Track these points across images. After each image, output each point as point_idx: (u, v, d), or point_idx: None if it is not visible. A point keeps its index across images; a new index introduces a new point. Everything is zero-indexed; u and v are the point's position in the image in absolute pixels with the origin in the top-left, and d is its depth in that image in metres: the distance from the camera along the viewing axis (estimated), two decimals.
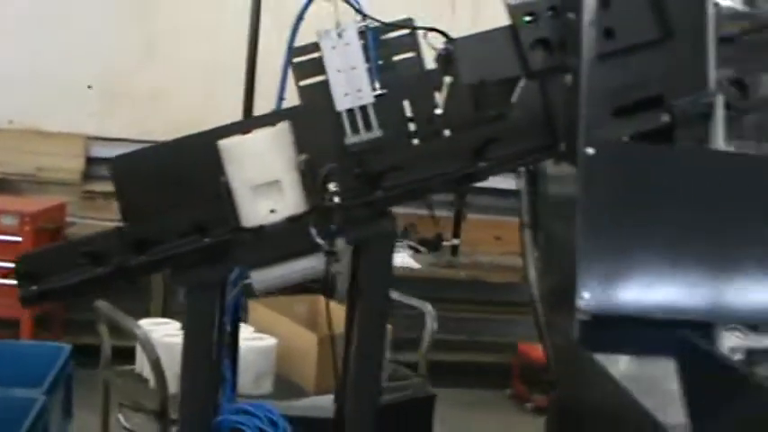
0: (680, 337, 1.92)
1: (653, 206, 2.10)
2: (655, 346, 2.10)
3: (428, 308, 3.46)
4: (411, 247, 5.65)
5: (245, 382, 3.09)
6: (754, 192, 2.14)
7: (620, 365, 2.15)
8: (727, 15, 2.35)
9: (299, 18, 2.25)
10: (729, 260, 2.11)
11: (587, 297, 2.02)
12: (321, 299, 3.76)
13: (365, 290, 2.14)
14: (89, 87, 5.65)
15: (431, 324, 3.42)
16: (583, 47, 2.12)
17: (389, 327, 3.61)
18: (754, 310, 2.11)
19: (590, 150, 2.06)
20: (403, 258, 5.38)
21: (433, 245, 5.71)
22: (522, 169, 2.54)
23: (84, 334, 4.48)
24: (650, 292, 2.08)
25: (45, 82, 5.54)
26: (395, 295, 4.04)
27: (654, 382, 2.15)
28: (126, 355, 3.51)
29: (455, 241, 5.58)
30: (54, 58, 5.53)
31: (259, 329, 3.52)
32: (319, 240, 2.06)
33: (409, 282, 5.04)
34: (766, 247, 2.12)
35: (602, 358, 2.12)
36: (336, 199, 2.04)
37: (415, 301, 3.57)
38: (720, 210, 2.12)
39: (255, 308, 3.71)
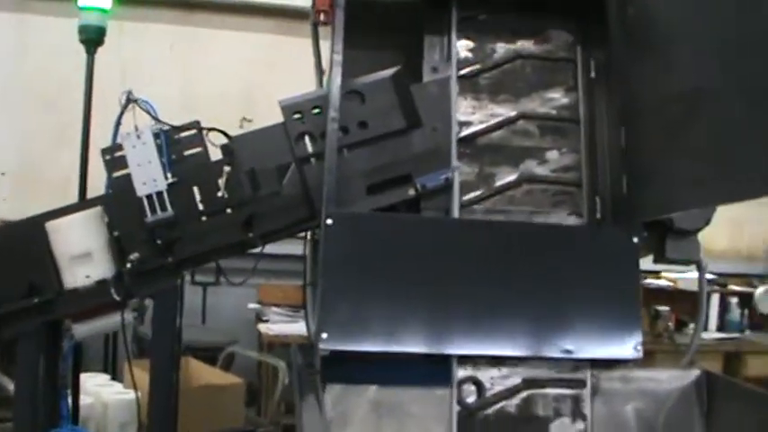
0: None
1: (379, 263, 2.85)
2: (384, 377, 2.87)
3: (281, 364, 4.23)
4: None
5: (112, 429, 3.87)
6: (462, 249, 2.90)
7: (369, 393, 2.92)
8: (465, 60, 3.14)
9: (117, 123, 3.08)
10: (442, 307, 2.84)
11: (325, 337, 2.77)
12: (190, 359, 4.56)
13: (155, 336, 2.94)
14: (2, 174, 6.52)
15: (282, 377, 4.19)
16: (328, 138, 2.89)
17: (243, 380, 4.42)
18: (462, 345, 2.85)
19: (329, 221, 2.83)
20: None
21: None
22: (309, 237, 3.33)
23: None
24: (377, 332, 2.80)
25: None
26: (255, 354, 4.86)
27: (398, 405, 2.92)
28: None
29: None
30: None
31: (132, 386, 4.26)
32: (116, 297, 2.86)
33: None
34: (473, 296, 2.87)
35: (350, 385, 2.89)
36: (129, 265, 2.86)
37: (270, 359, 4.35)
38: (433, 265, 2.87)
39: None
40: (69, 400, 3.21)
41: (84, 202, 3.04)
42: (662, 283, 6.38)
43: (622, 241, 2.98)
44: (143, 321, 3.02)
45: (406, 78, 3.12)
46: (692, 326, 6.37)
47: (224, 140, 3.06)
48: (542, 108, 3.13)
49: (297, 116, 3.04)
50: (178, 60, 6.53)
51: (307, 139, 3.03)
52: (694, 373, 3.11)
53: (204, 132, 3.02)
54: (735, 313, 6.52)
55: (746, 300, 6.55)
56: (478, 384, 2.89)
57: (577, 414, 2.93)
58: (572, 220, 3.06)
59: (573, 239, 3.01)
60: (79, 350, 3.23)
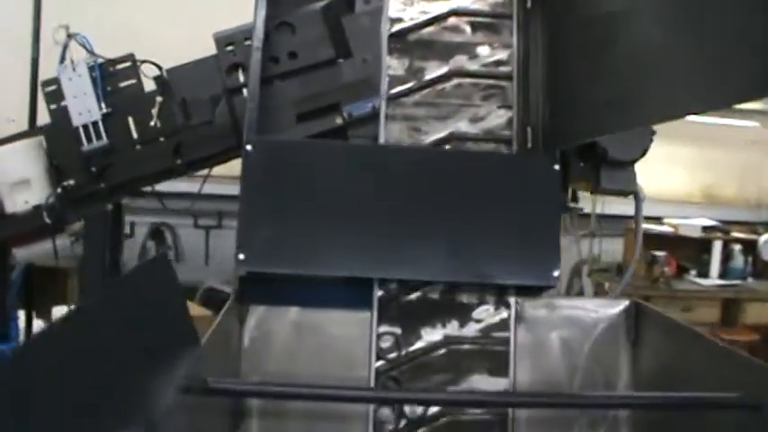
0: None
1: (299, 188, 2.89)
2: (306, 299, 2.95)
3: None
4: None
5: None
6: (383, 175, 2.92)
7: (290, 314, 3.00)
8: None
9: (62, 58, 3.19)
10: (362, 231, 2.87)
11: (242, 258, 2.84)
12: None
13: (86, 259, 3.07)
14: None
15: None
16: (251, 67, 2.94)
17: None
18: (381, 269, 2.88)
19: (249, 147, 2.89)
20: None
21: None
22: None
23: None
24: (295, 255, 2.84)
25: None
26: (228, 288, 4.96)
27: (320, 327, 2.99)
28: None
29: None
30: None
31: None
32: (48, 221, 2.99)
33: None
34: (394, 221, 2.89)
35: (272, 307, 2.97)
36: (59, 190, 2.99)
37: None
38: (354, 190, 2.89)
39: None
40: (20, 321, 3.36)
41: (25, 132, 3.19)
42: (663, 228, 6.33)
43: (544, 169, 2.97)
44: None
45: (338, 9, 3.16)
46: (692, 272, 6.39)
47: None
48: (475, 5, 3.11)
49: (229, 48, 3.12)
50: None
51: (240, 70, 3.10)
52: (623, 302, 3.11)
53: (138, 64, 3.12)
54: (738, 260, 6.43)
55: (750, 247, 6.46)
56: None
57: (501, 303, 2.96)
58: (501, 113, 3.05)
59: (495, 166, 3.00)
60: (29, 274, 3.37)
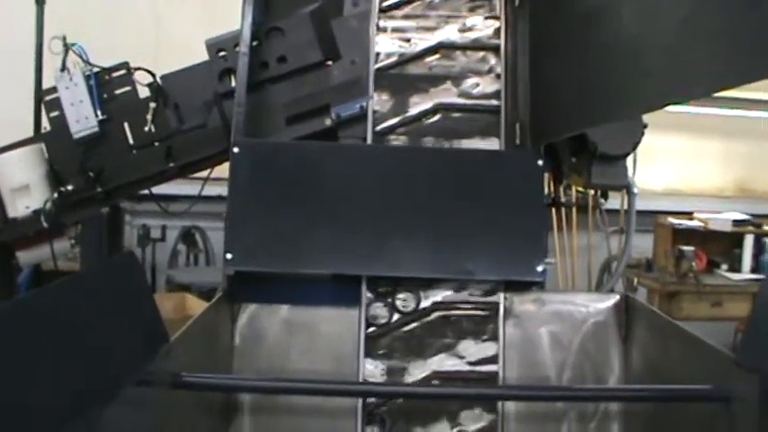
0: None
1: (286, 188, 2.97)
2: (296, 297, 3.03)
3: None
4: None
5: None
6: (368, 174, 3.00)
7: (281, 312, 3.09)
8: None
9: (62, 69, 3.32)
10: (348, 229, 2.95)
11: (230, 258, 2.94)
12: (186, 295, 4.83)
13: (83, 260, 3.20)
14: None
15: None
16: (238, 72, 3.05)
17: None
18: (367, 266, 2.96)
19: (235, 149, 2.99)
20: None
21: None
22: None
23: None
24: (283, 254, 2.93)
25: None
26: None
27: (310, 324, 3.08)
28: None
29: None
30: None
31: None
32: (45, 224, 3.13)
33: None
34: (380, 219, 2.95)
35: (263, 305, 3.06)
36: (56, 195, 3.12)
37: None
38: (340, 189, 2.97)
39: None
40: None
41: (27, 139, 3.33)
42: (693, 223, 6.29)
43: (528, 165, 3.02)
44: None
45: (327, 14, 3.25)
46: (723, 267, 6.33)
47: None
48: None
49: (221, 54, 3.22)
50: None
51: (231, 75, 3.20)
52: (613, 297, 3.13)
53: (132, 72, 3.25)
54: None
55: None
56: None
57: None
58: (489, 23, 3.19)
59: (479, 163, 3.06)
60: (37, 277, 3.52)
